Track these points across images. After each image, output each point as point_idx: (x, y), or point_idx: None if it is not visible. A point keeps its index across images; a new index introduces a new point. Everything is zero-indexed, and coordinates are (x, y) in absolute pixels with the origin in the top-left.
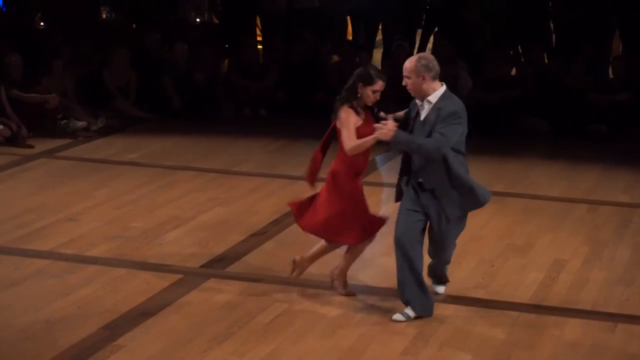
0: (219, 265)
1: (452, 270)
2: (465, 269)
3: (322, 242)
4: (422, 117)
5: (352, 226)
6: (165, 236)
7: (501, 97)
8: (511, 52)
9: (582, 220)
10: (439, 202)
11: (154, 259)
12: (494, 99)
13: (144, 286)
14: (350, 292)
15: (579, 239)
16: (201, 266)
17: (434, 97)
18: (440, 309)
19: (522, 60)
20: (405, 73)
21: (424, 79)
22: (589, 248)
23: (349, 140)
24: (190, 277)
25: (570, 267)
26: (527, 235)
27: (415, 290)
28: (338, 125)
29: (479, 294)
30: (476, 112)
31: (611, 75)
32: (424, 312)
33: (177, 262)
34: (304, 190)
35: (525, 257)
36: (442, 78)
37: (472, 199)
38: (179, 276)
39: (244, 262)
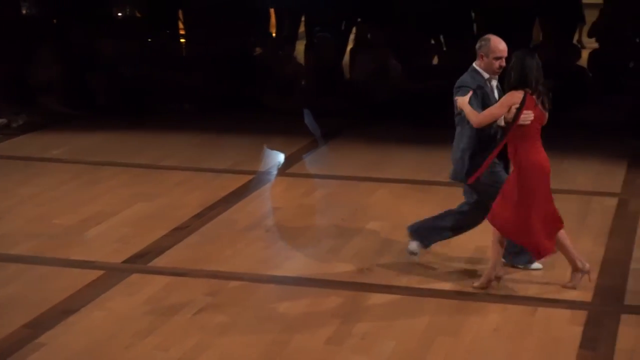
0: (142, 260)
1: (375, 259)
2: (389, 257)
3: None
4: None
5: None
6: (88, 232)
7: (427, 86)
8: (433, 42)
9: None
10: None
11: (76, 255)
12: (420, 88)
13: (66, 283)
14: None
15: None
16: (124, 261)
17: None
18: (364, 298)
19: (445, 49)
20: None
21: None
22: None
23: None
24: (113, 273)
25: None
26: None
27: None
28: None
29: (402, 282)
30: (402, 102)
31: None
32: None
33: (100, 258)
34: (229, 183)
35: (448, 245)
36: (371, 66)
37: None
38: (102, 272)
39: (168, 256)
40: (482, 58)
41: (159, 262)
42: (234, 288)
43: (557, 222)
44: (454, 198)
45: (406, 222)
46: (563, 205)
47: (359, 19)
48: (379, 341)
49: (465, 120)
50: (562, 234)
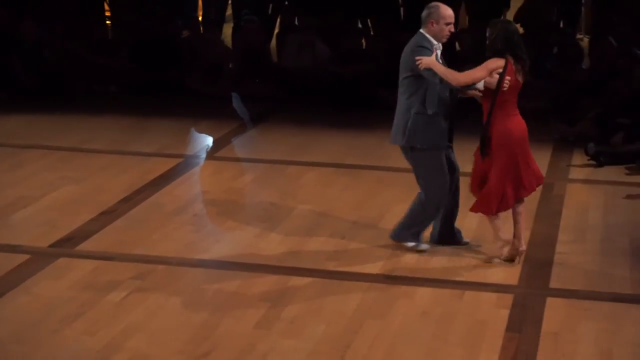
0: (68, 245)
1: (304, 243)
2: (317, 241)
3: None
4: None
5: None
6: (13, 216)
7: (354, 70)
8: (360, 25)
9: None
10: None
11: (1, 239)
12: (346, 72)
13: None
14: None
15: None
16: (50, 246)
17: None
18: (293, 282)
19: (372, 33)
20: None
21: None
22: None
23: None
24: (39, 257)
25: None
26: (379, 207)
27: None
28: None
29: (331, 266)
30: (329, 85)
31: (458, 48)
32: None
33: (25, 242)
34: (156, 167)
35: (376, 228)
36: (298, 49)
37: None
38: (28, 256)
39: (94, 240)
40: (432, 24)
41: (86, 246)
42: (161, 272)
43: (537, 179)
44: (382, 182)
45: (333, 208)
46: None
47: (286, 2)
48: (308, 325)
49: (418, 83)
50: (524, 207)
